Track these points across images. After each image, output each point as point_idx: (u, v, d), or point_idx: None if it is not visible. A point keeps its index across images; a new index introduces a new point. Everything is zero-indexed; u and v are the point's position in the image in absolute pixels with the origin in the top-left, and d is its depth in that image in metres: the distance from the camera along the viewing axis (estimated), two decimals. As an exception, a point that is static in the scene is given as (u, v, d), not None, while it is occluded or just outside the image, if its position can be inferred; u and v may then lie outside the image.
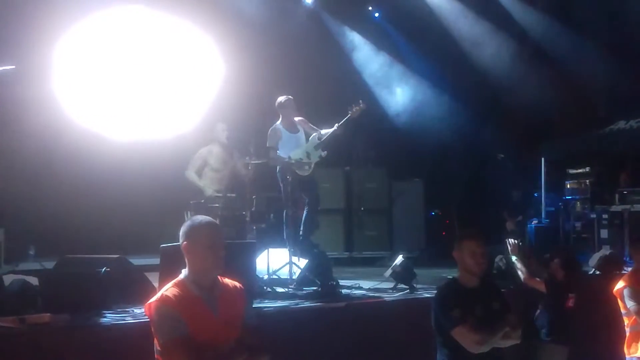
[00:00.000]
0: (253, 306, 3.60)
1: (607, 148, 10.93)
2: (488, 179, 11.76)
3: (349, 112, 7.95)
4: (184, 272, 3.34)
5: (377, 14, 12.93)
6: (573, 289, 5.96)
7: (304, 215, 8.10)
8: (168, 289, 3.28)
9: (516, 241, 6.32)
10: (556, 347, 5.93)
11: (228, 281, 3.43)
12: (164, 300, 3.23)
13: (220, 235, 3.37)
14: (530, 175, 11.01)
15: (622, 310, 5.52)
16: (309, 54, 11.30)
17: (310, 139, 8.11)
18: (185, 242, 3.33)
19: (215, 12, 9.79)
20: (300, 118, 8.22)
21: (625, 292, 5.44)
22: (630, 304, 5.39)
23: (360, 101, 7.99)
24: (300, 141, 8.11)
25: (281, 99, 8.15)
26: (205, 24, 9.52)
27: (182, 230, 3.37)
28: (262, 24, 10.50)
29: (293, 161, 7.79)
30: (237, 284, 3.47)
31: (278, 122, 8.13)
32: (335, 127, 7.99)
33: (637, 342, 5.43)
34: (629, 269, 6.19)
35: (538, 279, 6.14)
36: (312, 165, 8.01)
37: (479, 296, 4.38)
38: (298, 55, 11.09)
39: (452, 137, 13.21)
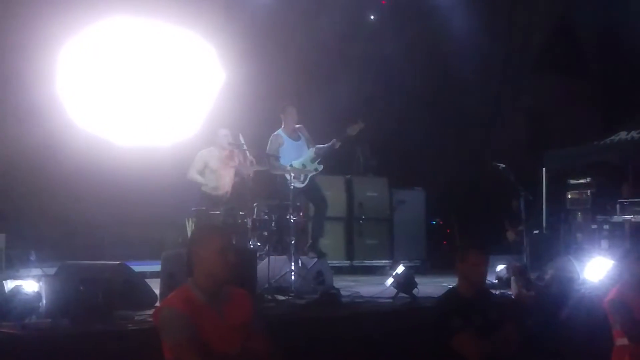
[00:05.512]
0: (259, 312, 3.56)
1: (609, 159, 10.92)
2: (489, 188, 11.74)
3: (347, 129, 7.98)
4: (189, 280, 3.33)
5: (372, 17, 12.96)
6: (564, 303, 5.93)
7: (312, 220, 8.17)
8: (173, 295, 3.29)
9: (519, 265, 6.31)
10: None
11: (233, 288, 3.42)
12: (170, 303, 3.23)
13: (229, 240, 3.39)
14: (531, 185, 11.01)
15: (611, 323, 5.49)
16: (312, 62, 11.32)
17: (308, 151, 8.15)
18: (194, 247, 3.33)
19: (218, 20, 9.84)
20: (299, 125, 8.26)
21: (614, 304, 5.40)
22: (618, 316, 5.35)
23: (359, 120, 8.03)
24: (301, 149, 8.16)
25: (287, 105, 8.20)
26: (208, 31, 9.56)
27: (192, 236, 3.42)
28: (266, 30, 10.54)
29: (297, 168, 7.84)
30: (243, 291, 3.47)
31: (280, 128, 8.17)
32: (332, 143, 8.02)
33: (625, 355, 5.39)
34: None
35: (527, 293, 6.10)
36: (308, 178, 8.05)
37: (477, 306, 4.38)
38: (300, 63, 11.11)
39: (453, 146, 13.22)
